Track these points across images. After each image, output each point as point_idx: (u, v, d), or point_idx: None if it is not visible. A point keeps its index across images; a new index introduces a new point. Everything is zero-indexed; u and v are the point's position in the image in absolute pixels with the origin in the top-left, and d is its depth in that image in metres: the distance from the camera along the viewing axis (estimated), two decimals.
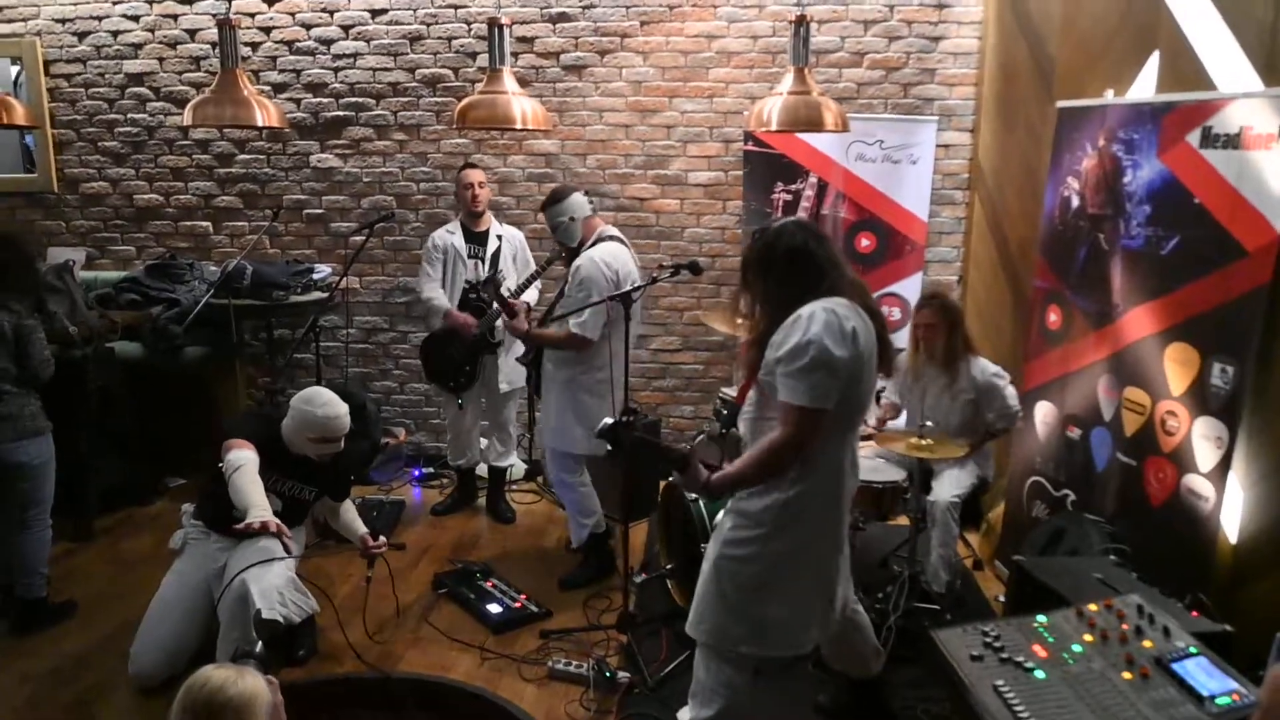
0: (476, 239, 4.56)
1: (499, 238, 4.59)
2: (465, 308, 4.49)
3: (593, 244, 3.72)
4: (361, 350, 5.53)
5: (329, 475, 3.46)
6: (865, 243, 4.84)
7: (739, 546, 2.30)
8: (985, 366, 3.72)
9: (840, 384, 2.14)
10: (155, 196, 5.50)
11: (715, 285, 5.19)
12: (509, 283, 4.36)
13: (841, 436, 2.29)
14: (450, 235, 4.54)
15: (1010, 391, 3.71)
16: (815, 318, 2.15)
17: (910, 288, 4.83)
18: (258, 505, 2.97)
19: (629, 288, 3.45)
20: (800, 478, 2.23)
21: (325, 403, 3.30)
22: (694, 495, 3.45)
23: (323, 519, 3.67)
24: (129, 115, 5.40)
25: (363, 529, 3.51)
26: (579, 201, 3.74)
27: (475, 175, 4.52)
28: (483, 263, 4.55)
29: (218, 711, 1.68)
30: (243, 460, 3.11)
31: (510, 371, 4.54)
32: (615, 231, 3.83)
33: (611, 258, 3.66)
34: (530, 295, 4.42)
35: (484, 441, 4.82)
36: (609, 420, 2.36)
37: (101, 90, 5.40)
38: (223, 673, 1.75)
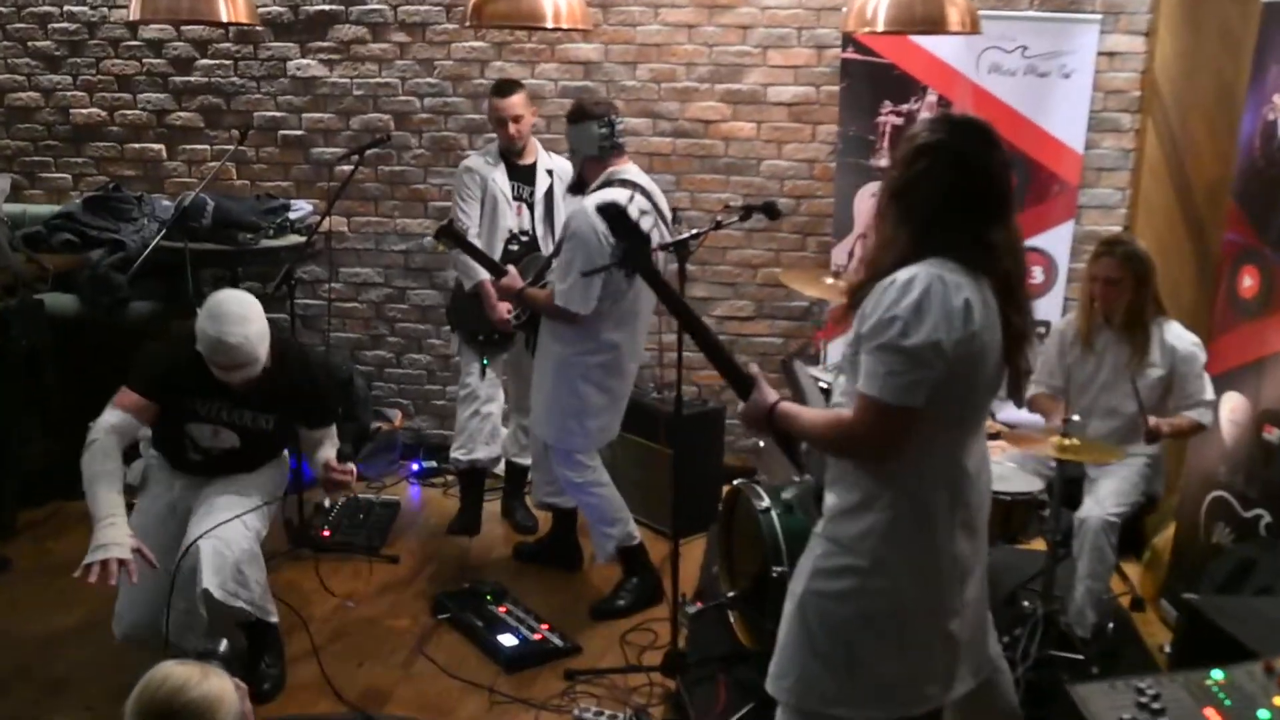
0: (522, 175, 4.47)
1: (550, 173, 4.50)
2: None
3: (597, 188, 3.69)
4: (348, 310, 5.61)
5: (285, 398, 3.41)
6: None
7: (832, 580, 2.27)
8: (1181, 333, 3.66)
9: (936, 375, 2.09)
10: (97, 111, 5.62)
11: (799, 234, 5.15)
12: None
13: (959, 439, 2.26)
14: (490, 167, 4.43)
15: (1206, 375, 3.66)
16: (913, 284, 2.10)
17: (1058, 240, 4.77)
18: (104, 520, 2.91)
19: (657, 244, 3.37)
20: (907, 492, 2.21)
21: (218, 315, 3.09)
22: (760, 492, 3.46)
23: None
24: (65, 8, 5.51)
25: (330, 454, 3.46)
26: (589, 134, 3.69)
27: (511, 106, 4.31)
28: (530, 208, 4.47)
29: (177, 714, 1.79)
30: (98, 431, 3.12)
31: None
32: (635, 174, 3.78)
33: None
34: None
35: (502, 430, 4.82)
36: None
37: None
38: (184, 670, 1.85)
